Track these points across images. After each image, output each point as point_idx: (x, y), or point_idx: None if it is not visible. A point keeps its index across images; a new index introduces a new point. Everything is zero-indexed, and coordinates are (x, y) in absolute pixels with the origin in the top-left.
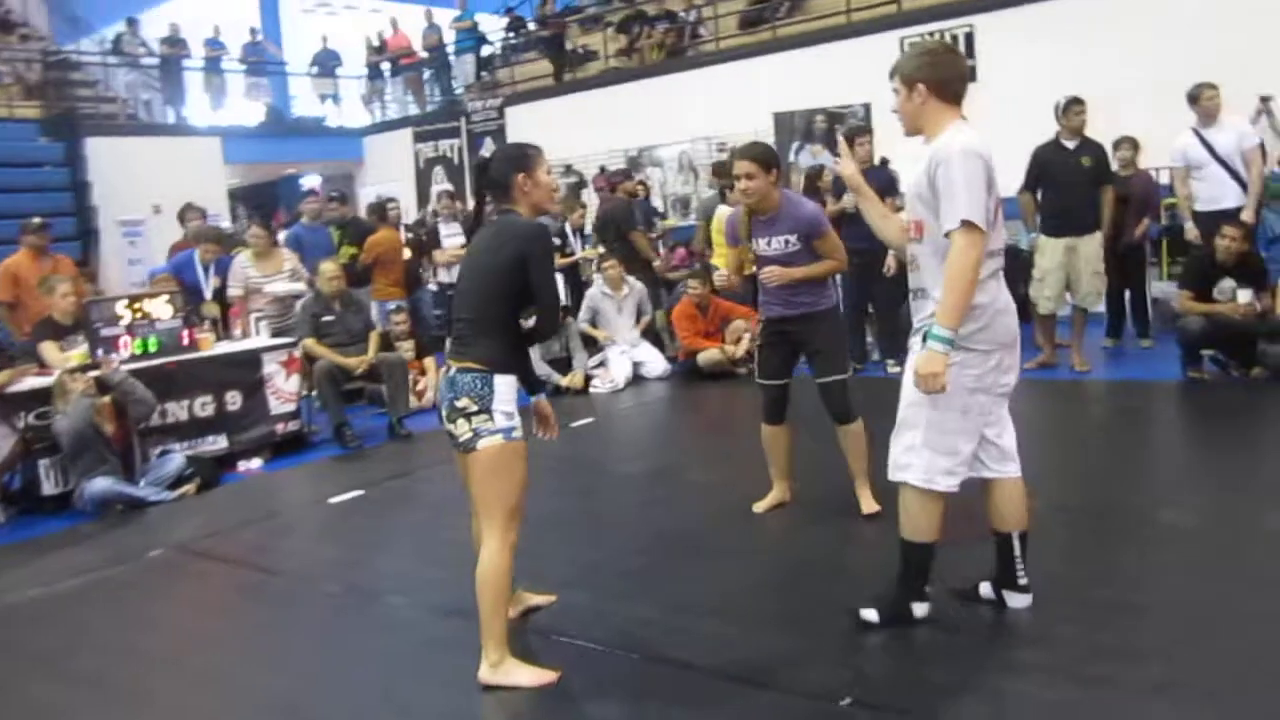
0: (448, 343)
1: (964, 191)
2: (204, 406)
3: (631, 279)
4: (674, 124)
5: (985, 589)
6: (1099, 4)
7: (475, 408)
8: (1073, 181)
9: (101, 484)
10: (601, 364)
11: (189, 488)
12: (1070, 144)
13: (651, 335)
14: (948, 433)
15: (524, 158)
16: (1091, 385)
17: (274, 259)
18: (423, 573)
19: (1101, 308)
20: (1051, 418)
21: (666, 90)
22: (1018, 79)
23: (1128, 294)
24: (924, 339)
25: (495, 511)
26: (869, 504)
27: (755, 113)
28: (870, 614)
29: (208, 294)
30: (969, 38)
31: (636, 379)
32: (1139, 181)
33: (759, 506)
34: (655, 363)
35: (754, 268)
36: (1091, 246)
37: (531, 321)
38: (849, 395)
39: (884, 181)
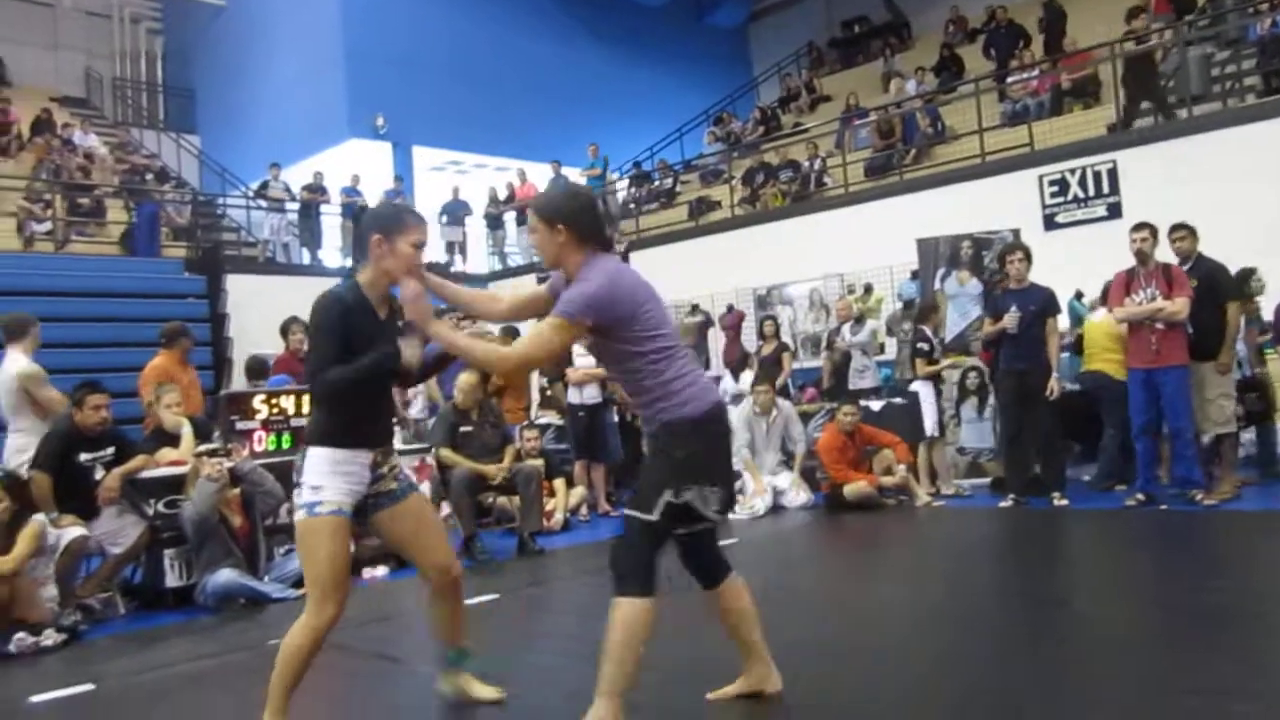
0: None
1: None
2: None
3: (783, 403)
4: (803, 263)
5: None
6: (1239, 137)
7: (296, 482)
8: None
9: (225, 576)
10: (740, 490)
11: None
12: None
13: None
14: None
15: (392, 219)
16: None
17: None
18: (570, 668)
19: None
20: None
21: (793, 232)
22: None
23: None
24: None
25: (309, 587)
26: None
27: (890, 246)
28: None
29: None
30: (1112, 174)
31: (776, 508)
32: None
33: None
34: (796, 492)
35: None
36: (1205, 372)
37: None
38: None
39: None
